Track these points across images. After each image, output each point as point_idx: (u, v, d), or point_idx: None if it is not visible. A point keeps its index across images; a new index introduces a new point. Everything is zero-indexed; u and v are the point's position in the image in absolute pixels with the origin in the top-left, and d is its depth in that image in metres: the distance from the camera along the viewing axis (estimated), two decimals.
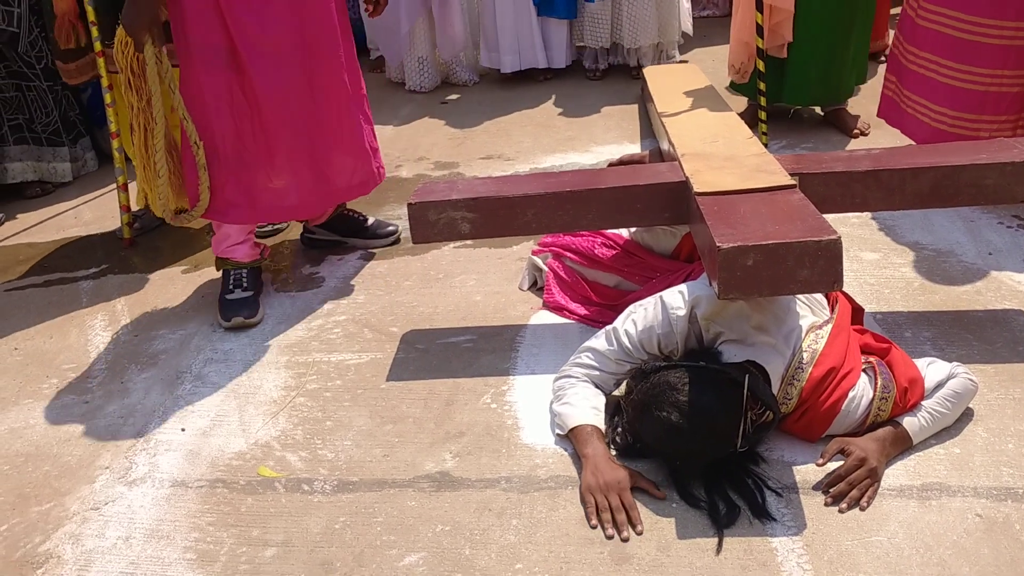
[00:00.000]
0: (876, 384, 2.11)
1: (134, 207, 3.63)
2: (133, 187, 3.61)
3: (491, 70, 5.15)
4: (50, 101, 4.14)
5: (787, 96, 3.89)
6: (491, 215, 2.47)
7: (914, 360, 2.18)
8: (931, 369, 2.16)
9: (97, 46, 3.27)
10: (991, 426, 2.15)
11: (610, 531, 1.94)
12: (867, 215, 3.14)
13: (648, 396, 2.00)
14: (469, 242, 3.27)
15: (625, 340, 2.21)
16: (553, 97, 4.80)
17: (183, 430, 2.43)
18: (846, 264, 2.85)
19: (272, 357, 2.72)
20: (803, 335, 2.15)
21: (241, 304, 2.89)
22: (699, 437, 1.96)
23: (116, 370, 2.74)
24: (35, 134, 4.19)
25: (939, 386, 2.13)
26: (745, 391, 1.96)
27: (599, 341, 2.27)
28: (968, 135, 3.02)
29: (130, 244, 3.57)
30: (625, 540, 1.92)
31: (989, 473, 2.01)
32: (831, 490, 1.99)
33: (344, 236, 3.28)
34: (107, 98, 3.39)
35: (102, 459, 2.34)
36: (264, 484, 2.20)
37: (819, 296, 2.30)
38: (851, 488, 1.98)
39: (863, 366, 2.16)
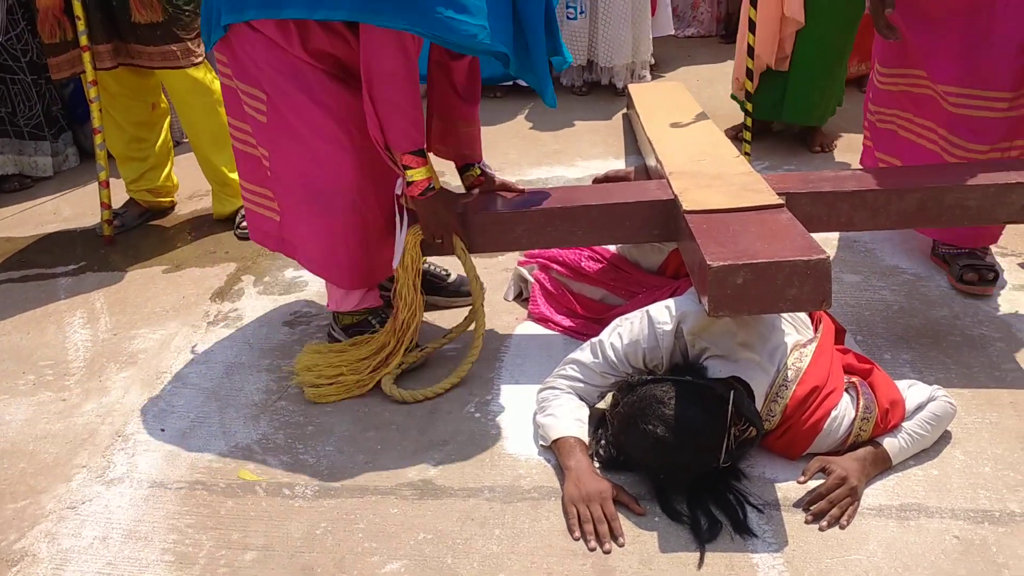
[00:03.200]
0: (858, 404, 2.13)
1: (115, 205, 3.59)
2: (114, 184, 3.58)
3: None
4: (34, 95, 4.11)
5: (787, 113, 3.98)
6: (480, 231, 2.48)
7: (895, 382, 2.21)
8: (912, 391, 2.19)
9: (83, 40, 3.25)
10: (968, 449, 2.18)
11: (593, 543, 1.95)
12: (849, 238, 3.18)
13: (634, 409, 2.01)
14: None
15: (611, 353, 2.22)
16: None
17: (163, 430, 2.40)
18: None
19: (254, 360, 2.70)
20: (788, 353, 2.17)
21: None
22: (683, 451, 1.97)
23: (94, 368, 2.71)
24: (17, 127, 4.16)
25: (919, 408, 2.16)
26: (730, 406, 1.97)
27: (584, 353, 2.28)
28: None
29: (110, 241, 3.54)
30: (607, 552, 1.93)
31: (966, 495, 2.04)
32: (812, 508, 2.01)
33: (425, 295, 2.81)
34: (91, 93, 3.37)
35: (79, 458, 2.32)
36: (244, 487, 2.18)
37: (803, 315, 2.32)
38: (831, 506, 2.00)
39: (845, 386, 2.18)
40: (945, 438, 2.21)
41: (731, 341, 2.12)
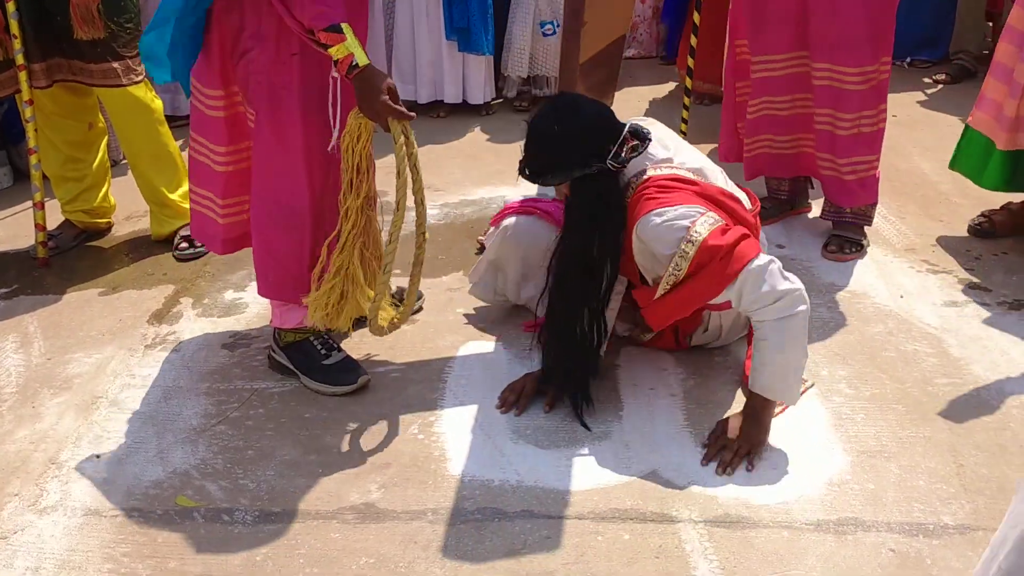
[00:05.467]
0: (696, 221, 2.20)
1: (50, 226, 3.52)
2: (50, 205, 3.51)
3: (431, 103, 5.08)
4: None
5: None
6: None
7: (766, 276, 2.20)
8: (763, 294, 2.18)
9: (19, 59, 3.18)
10: (903, 463, 2.23)
11: (499, 404, 2.45)
12: (787, 257, 3.24)
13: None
14: (398, 270, 3.26)
15: None
16: (483, 129, 4.82)
17: (98, 457, 2.35)
18: None
19: (192, 384, 2.66)
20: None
21: (348, 364, 2.62)
22: (573, 122, 2.25)
23: (27, 394, 2.65)
24: None
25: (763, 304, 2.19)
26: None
27: None
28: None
29: (44, 264, 3.45)
30: (504, 413, 2.42)
31: (901, 508, 2.08)
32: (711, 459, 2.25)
33: None
34: (26, 113, 3.29)
35: (11, 486, 2.26)
36: (182, 514, 2.14)
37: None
38: (724, 452, 2.24)
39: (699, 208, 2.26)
40: (882, 452, 2.25)
41: None
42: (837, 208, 3.29)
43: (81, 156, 3.53)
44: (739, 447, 2.24)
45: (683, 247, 2.18)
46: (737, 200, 2.44)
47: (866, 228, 3.32)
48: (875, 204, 3.28)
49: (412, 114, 2.30)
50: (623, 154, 2.28)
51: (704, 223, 2.19)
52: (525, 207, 2.80)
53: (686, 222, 2.19)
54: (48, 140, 3.44)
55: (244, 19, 2.32)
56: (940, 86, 5.06)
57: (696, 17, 4.02)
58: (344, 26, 2.18)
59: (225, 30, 2.35)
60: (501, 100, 5.17)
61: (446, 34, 4.79)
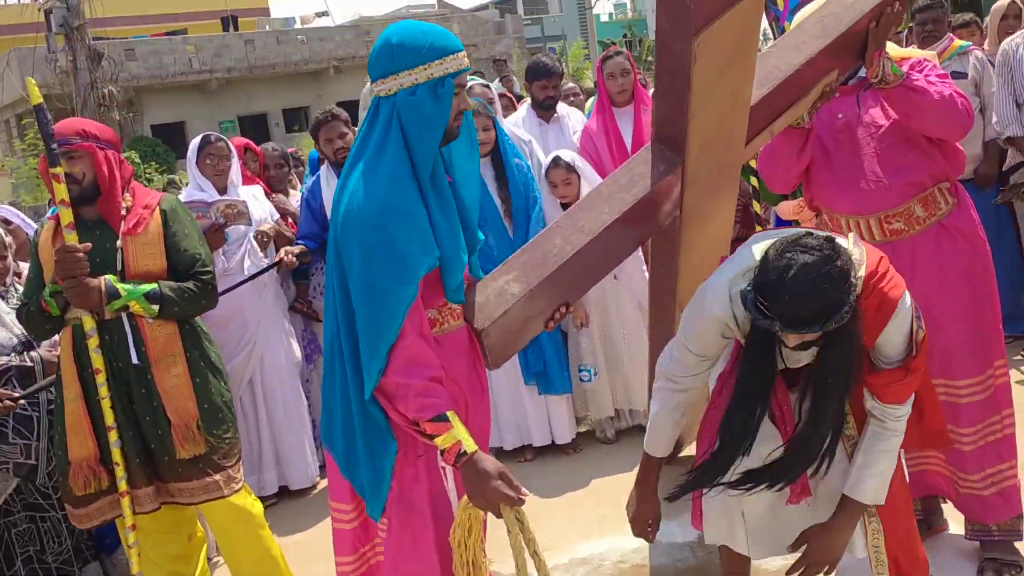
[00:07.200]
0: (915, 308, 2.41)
1: None
2: None
3: (511, 448, 5.02)
4: (64, 531, 3.98)
5: None
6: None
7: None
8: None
9: (122, 486, 3.16)
10: None
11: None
12: None
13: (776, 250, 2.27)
14: None
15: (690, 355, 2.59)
16: (572, 470, 4.68)
17: None
18: None
19: None
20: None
21: None
22: (830, 269, 2.18)
23: None
24: (46, 565, 3.97)
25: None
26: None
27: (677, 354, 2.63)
28: None
29: None
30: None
31: None
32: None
33: None
34: (129, 539, 3.23)
35: None
36: None
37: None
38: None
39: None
40: None
41: None
42: (982, 526, 3.07)
43: (181, 569, 3.44)
44: (819, 560, 2.44)
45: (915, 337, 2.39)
46: None
47: (1017, 544, 3.08)
48: (1021, 516, 3.07)
49: (524, 497, 2.22)
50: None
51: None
52: None
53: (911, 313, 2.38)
54: (149, 559, 3.36)
55: None
56: None
57: None
58: (450, 414, 2.17)
59: None
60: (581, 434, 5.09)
61: (524, 379, 4.81)
